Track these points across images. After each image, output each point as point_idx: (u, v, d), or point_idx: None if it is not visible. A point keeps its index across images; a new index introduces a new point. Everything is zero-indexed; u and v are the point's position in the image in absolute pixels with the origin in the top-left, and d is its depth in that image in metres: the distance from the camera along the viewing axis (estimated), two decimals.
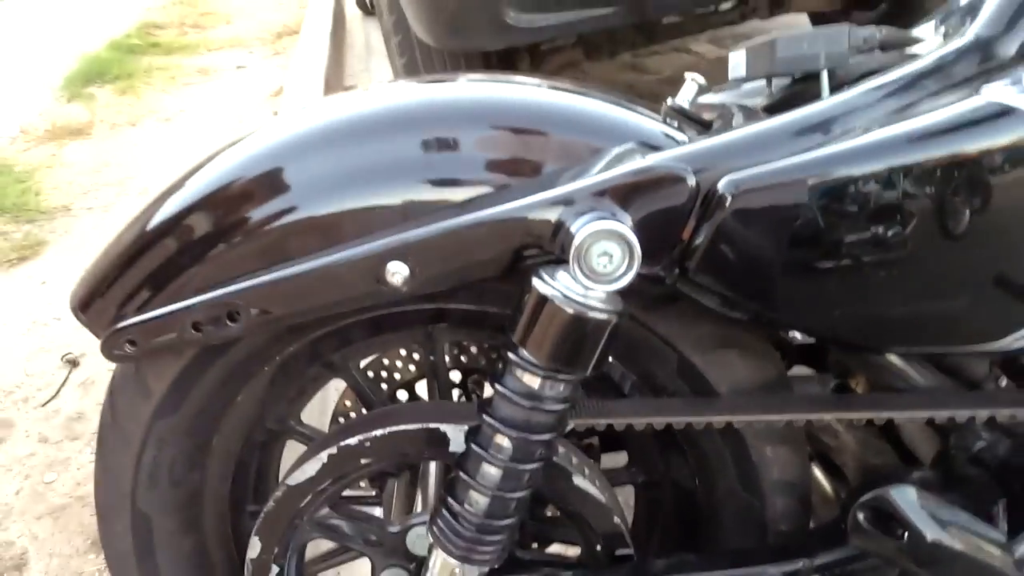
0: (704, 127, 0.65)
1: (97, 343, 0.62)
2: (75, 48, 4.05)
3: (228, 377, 0.68)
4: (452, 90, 0.64)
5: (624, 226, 0.46)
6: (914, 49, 0.65)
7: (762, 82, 0.70)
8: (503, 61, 2.13)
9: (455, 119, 0.60)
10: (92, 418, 1.52)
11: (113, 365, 0.67)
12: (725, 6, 2.05)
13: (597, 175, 0.51)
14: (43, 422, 1.53)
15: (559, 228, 0.50)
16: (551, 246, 0.51)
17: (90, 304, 0.64)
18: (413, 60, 2.01)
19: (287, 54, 3.88)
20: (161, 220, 0.63)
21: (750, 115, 0.65)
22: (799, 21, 2.87)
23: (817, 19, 2.88)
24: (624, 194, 0.49)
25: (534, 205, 0.51)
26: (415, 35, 1.88)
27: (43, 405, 1.58)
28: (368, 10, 4.45)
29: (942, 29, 0.65)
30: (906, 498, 0.55)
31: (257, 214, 0.60)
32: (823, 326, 0.56)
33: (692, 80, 0.66)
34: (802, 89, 0.64)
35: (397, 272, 0.54)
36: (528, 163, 0.58)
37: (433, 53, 1.92)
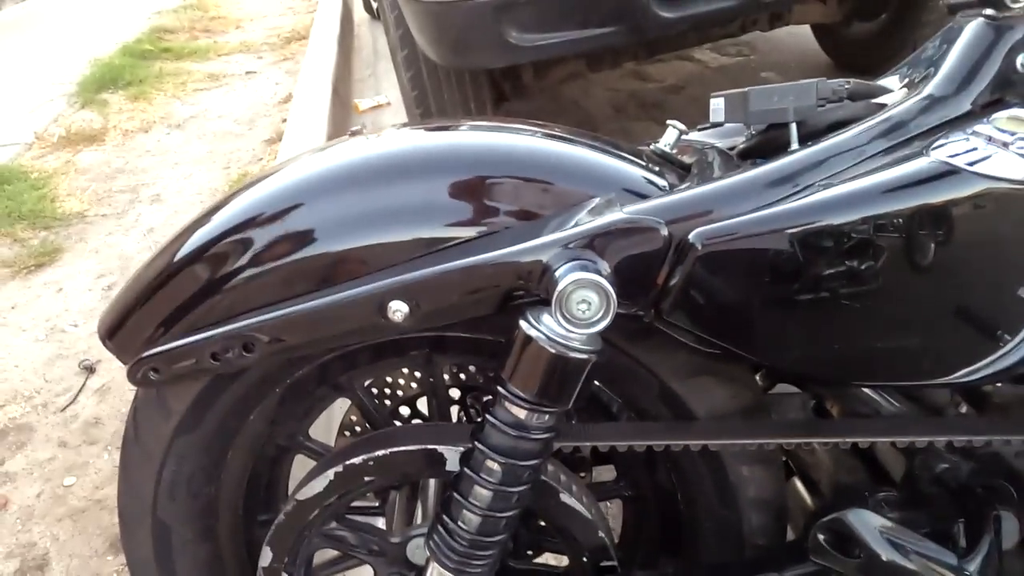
0: (683, 170, 0.70)
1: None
2: (88, 54, 4.13)
3: (242, 398, 0.74)
4: (452, 138, 0.70)
5: (601, 277, 0.51)
6: (881, 99, 0.69)
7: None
8: (507, 74, 2.18)
9: (452, 167, 0.65)
10: (108, 423, 1.59)
11: None
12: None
13: (580, 225, 0.56)
14: (62, 427, 1.59)
15: (544, 274, 0.55)
16: (538, 288, 0.56)
17: (116, 333, 0.69)
18: (419, 74, 2.06)
19: (296, 59, 3.94)
20: (183, 255, 0.68)
21: (726, 160, 0.69)
22: (801, 32, 2.91)
23: (819, 31, 2.92)
24: (603, 244, 0.54)
25: (523, 251, 0.56)
26: (421, 51, 1.94)
27: (61, 410, 1.64)
28: (375, 15, 4.50)
29: (906, 80, 0.69)
30: (863, 521, 0.60)
31: (271, 251, 0.65)
32: (790, 364, 0.61)
33: (673, 127, 0.70)
34: (776, 135, 0.69)
35: (398, 309, 0.59)
36: (520, 208, 0.63)
37: (438, 68, 1.97)
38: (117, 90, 3.59)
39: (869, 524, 0.59)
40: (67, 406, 1.65)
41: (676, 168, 0.70)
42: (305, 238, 0.65)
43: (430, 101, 2.12)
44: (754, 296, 0.57)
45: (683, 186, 0.64)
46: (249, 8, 5.29)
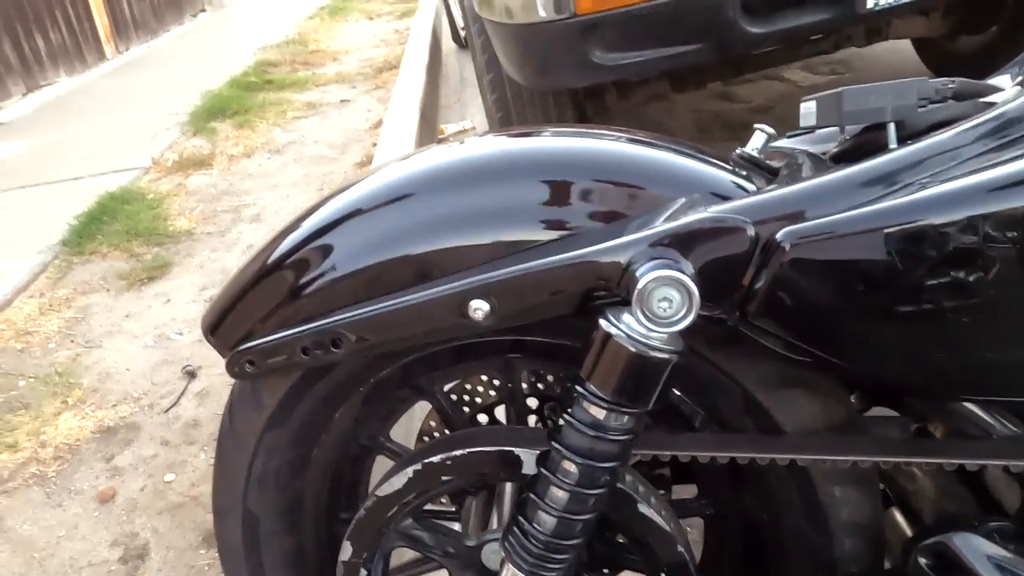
0: (772, 175, 0.68)
1: (213, 359, 0.72)
2: (201, 87, 4.47)
3: (329, 396, 0.77)
4: (535, 143, 0.71)
5: (683, 274, 0.50)
6: (991, 98, 0.65)
7: (835, 128, 0.72)
8: (590, 95, 2.20)
9: (536, 170, 0.66)
10: (206, 425, 1.68)
11: (232, 380, 0.77)
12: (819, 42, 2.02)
13: (663, 224, 0.56)
14: (165, 427, 1.70)
15: (625, 273, 0.54)
16: (618, 289, 0.56)
17: (217, 329, 0.74)
18: (503, 96, 2.11)
19: (387, 88, 4.11)
20: (277, 256, 0.72)
21: (817, 164, 0.67)
22: (901, 47, 2.78)
23: (921, 46, 2.78)
24: (686, 243, 0.53)
25: (603, 251, 0.56)
26: (506, 73, 1.98)
27: (165, 412, 1.75)
28: (463, 44, 4.65)
29: (1020, 78, 0.65)
30: (971, 546, 0.55)
31: (358, 253, 0.68)
32: (887, 374, 0.57)
33: (761, 131, 0.69)
34: (872, 138, 0.66)
35: (479, 308, 0.60)
36: (602, 210, 0.63)
37: (522, 90, 2.01)
38: (225, 119, 3.85)
39: (978, 550, 0.55)
40: (170, 408, 1.76)
41: (764, 172, 0.68)
42: (391, 240, 0.67)
43: (514, 122, 2.16)
44: (847, 300, 0.54)
45: (771, 187, 0.62)
46: (345, 42, 5.59)
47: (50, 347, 2.08)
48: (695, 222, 0.54)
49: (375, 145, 3.13)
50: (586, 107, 2.29)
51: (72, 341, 2.10)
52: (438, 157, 0.71)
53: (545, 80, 1.81)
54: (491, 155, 0.70)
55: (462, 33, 4.35)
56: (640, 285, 0.51)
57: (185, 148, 3.49)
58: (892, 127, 0.62)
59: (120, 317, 2.19)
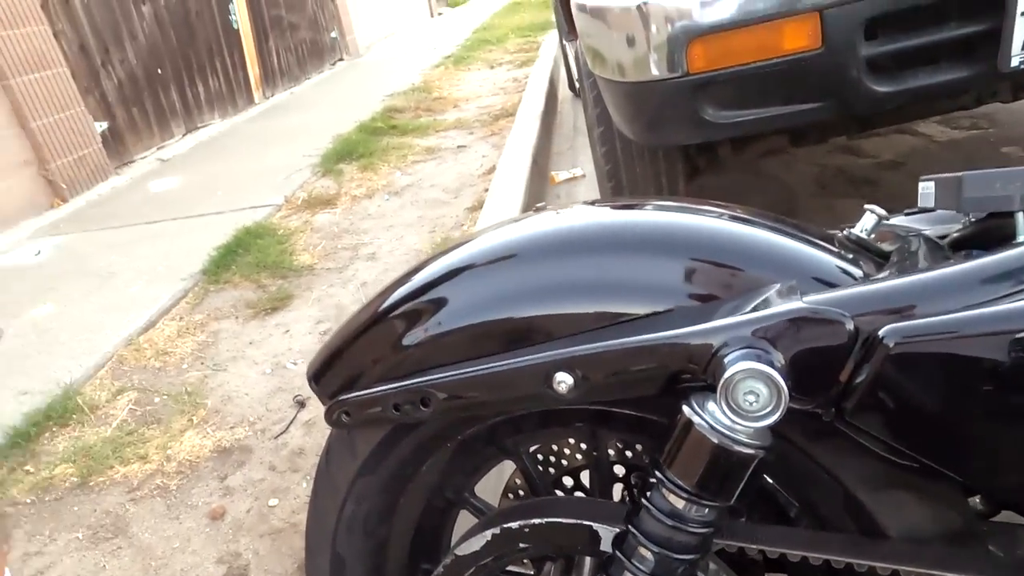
0: (882, 259, 0.64)
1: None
2: (333, 130, 4.83)
3: (418, 449, 0.79)
4: (634, 216, 0.71)
5: (772, 369, 0.48)
6: None
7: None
8: (702, 148, 2.17)
9: (631, 245, 0.66)
10: (310, 455, 1.77)
11: None
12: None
13: (756, 312, 0.54)
14: (273, 453, 1.81)
15: (712, 359, 0.53)
16: (704, 375, 0.54)
17: (320, 377, 0.79)
18: (613, 150, 2.13)
19: (502, 134, 4.25)
20: (378, 312, 0.76)
21: (934, 250, 0.63)
22: None
23: None
24: (778, 333, 0.52)
25: (690, 334, 0.55)
26: (616, 127, 2.00)
27: (275, 438, 1.86)
28: (578, 93, 4.74)
29: None
30: None
31: (453, 314, 0.71)
32: (1003, 489, 0.52)
33: (871, 212, 0.66)
34: (998, 225, 0.61)
35: (563, 381, 0.61)
36: (697, 290, 0.62)
37: (632, 144, 2.01)
38: (351, 161, 4.13)
39: None
40: (280, 435, 1.87)
41: (873, 256, 0.64)
42: (485, 304, 0.69)
43: (622, 175, 2.16)
44: (960, 407, 0.50)
45: (878, 276, 0.59)
46: (467, 89, 5.85)
47: (183, 367, 2.28)
48: (789, 312, 0.52)
49: (487, 191, 3.24)
50: (698, 160, 2.26)
51: (202, 363, 2.29)
52: (539, 225, 0.73)
53: (656, 137, 1.81)
54: (593, 227, 0.71)
55: (577, 84, 4.44)
56: (726, 375, 0.50)
57: (314, 188, 3.76)
58: (1021, 216, 0.57)
59: (244, 343, 2.37)
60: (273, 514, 1.60)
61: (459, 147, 4.22)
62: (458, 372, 0.67)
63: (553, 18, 5.77)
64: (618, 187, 2.20)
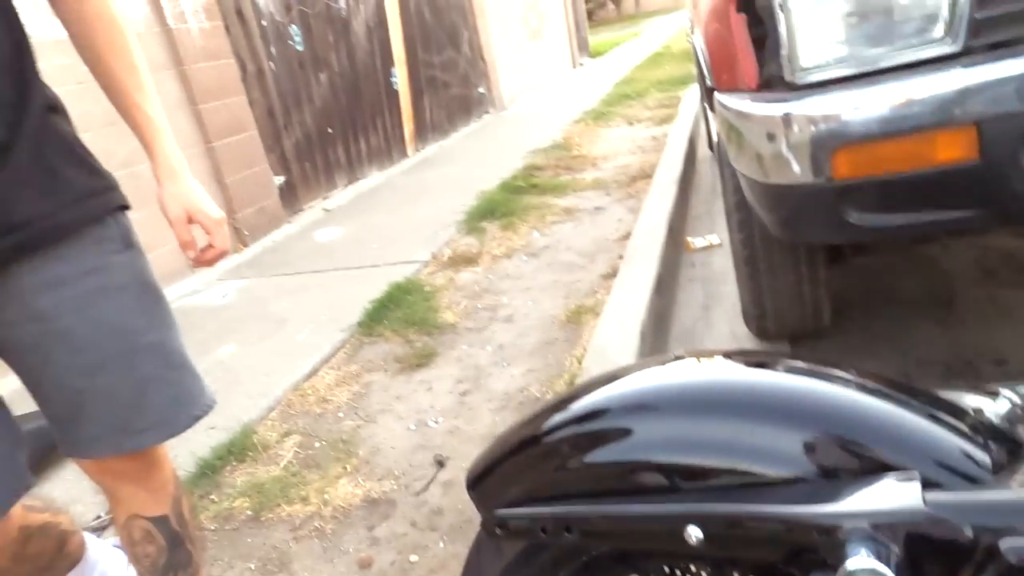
0: (1016, 446, 0.67)
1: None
2: (477, 186, 5.15)
3: (556, 559, 0.90)
4: (767, 377, 0.78)
5: (888, 569, 0.54)
6: None
7: None
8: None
9: (764, 409, 0.74)
10: (447, 515, 1.92)
11: None
12: None
13: (876, 504, 0.60)
14: (415, 509, 1.98)
15: (833, 543, 0.59)
16: (825, 552, 0.61)
17: (477, 486, 0.92)
18: (751, 237, 2.15)
19: (639, 197, 4.34)
20: (534, 434, 0.89)
21: None
22: None
23: None
24: (895, 531, 0.57)
25: (817, 516, 0.62)
26: (756, 217, 2.03)
27: (416, 494, 2.04)
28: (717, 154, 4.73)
29: None
30: None
31: (598, 449, 0.81)
32: None
33: (1005, 397, 0.68)
34: None
35: (693, 534, 0.69)
36: (822, 463, 0.68)
37: (772, 237, 2.03)
38: (493, 220, 4.38)
39: None
40: (420, 492, 2.04)
41: (1007, 444, 0.67)
42: (630, 446, 0.79)
43: (759, 261, 2.18)
44: None
45: (1009, 470, 0.62)
46: (605, 147, 6.01)
47: (339, 415, 2.54)
48: (905, 512, 0.57)
49: (621, 258, 3.33)
50: (842, 245, 2.23)
51: (356, 413, 2.54)
52: (685, 375, 0.82)
53: (796, 235, 1.83)
54: (731, 386, 0.78)
55: (716, 148, 4.44)
56: (846, 568, 0.56)
57: (458, 245, 4.03)
58: None
59: (392, 397, 2.60)
60: (414, 570, 1.75)
61: (596, 208, 4.36)
62: (600, 508, 0.77)
63: (695, 70, 5.81)
64: (755, 273, 2.21)
